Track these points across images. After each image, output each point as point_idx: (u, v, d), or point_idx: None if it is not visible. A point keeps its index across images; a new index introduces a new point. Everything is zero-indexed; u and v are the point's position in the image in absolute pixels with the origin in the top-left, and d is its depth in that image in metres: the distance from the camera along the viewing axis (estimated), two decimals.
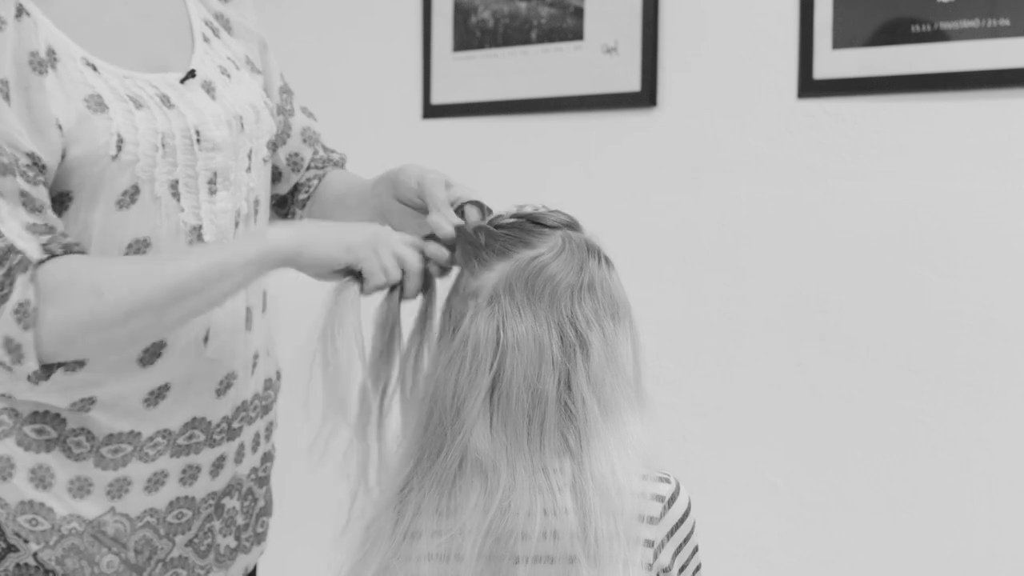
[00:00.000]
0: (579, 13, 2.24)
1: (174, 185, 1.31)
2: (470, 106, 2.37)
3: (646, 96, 2.17)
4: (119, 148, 1.26)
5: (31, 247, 1.21)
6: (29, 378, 1.23)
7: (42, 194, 1.24)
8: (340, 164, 1.59)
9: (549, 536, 1.13)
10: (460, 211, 1.29)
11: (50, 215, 1.24)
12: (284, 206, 1.59)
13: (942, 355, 1.94)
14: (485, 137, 2.37)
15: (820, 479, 2.04)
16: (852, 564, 2.02)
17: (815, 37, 2.01)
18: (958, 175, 1.93)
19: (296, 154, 1.55)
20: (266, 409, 1.50)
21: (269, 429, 1.52)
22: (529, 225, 1.22)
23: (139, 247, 1.30)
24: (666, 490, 1.16)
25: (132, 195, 1.28)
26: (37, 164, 1.24)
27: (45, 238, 1.22)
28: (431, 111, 2.42)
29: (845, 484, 2.01)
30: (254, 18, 1.51)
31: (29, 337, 1.21)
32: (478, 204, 1.28)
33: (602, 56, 2.21)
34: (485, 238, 1.21)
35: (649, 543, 1.15)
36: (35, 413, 1.31)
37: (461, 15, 2.37)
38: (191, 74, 1.35)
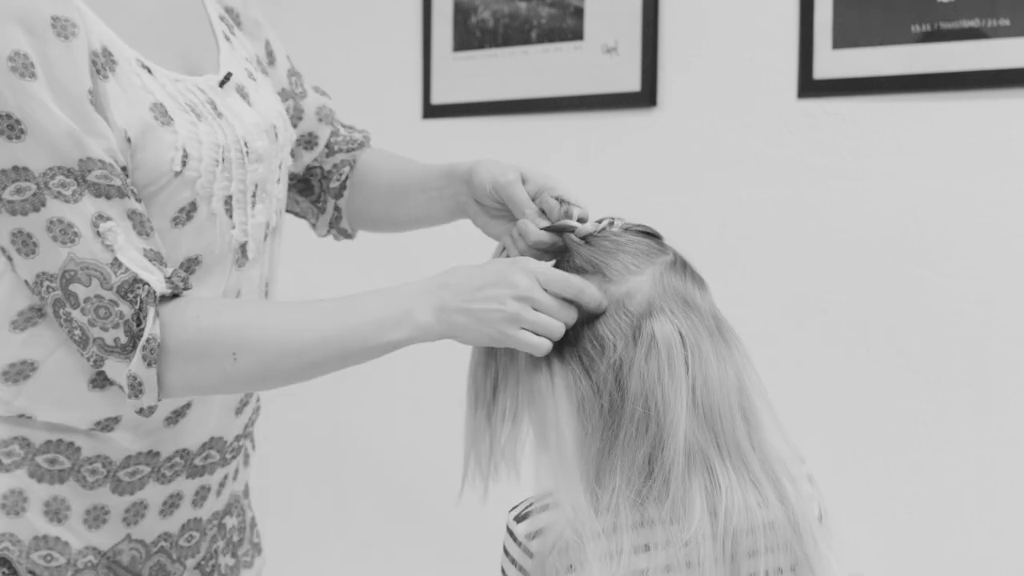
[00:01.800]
0: (579, 13, 2.24)
1: (228, 201, 1.25)
2: (470, 106, 2.37)
3: (646, 96, 2.17)
4: (184, 164, 1.19)
5: (155, 279, 1.15)
6: (141, 411, 1.18)
7: (146, 214, 1.18)
8: (365, 143, 1.53)
9: (768, 527, 1.14)
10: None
11: (157, 239, 1.18)
12: (311, 192, 1.52)
13: (942, 355, 1.94)
14: (485, 137, 2.37)
15: (820, 479, 2.04)
16: (852, 564, 2.01)
17: (815, 37, 2.00)
18: (958, 175, 1.93)
19: (311, 133, 1.49)
20: (254, 421, 1.45)
21: (252, 439, 1.49)
22: (645, 235, 1.22)
23: (189, 266, 1.24)
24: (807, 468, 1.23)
25: (189, 212, 1.22)
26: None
27: (167, 269, 1.16)
28: (431, 111, 2.42)
29: (845, 484, 2.01)
30: (255, 3, 1.45)
31: (152, 374, 1.15)
32: (562, 201, 1.25)
33: (602, 56, 2.21)
34: (609, 243, 1.20)
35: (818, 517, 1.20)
36: (48, 442, 1.24)
37: (461, 15, 2.37)
38: (228, 77, 1.29)
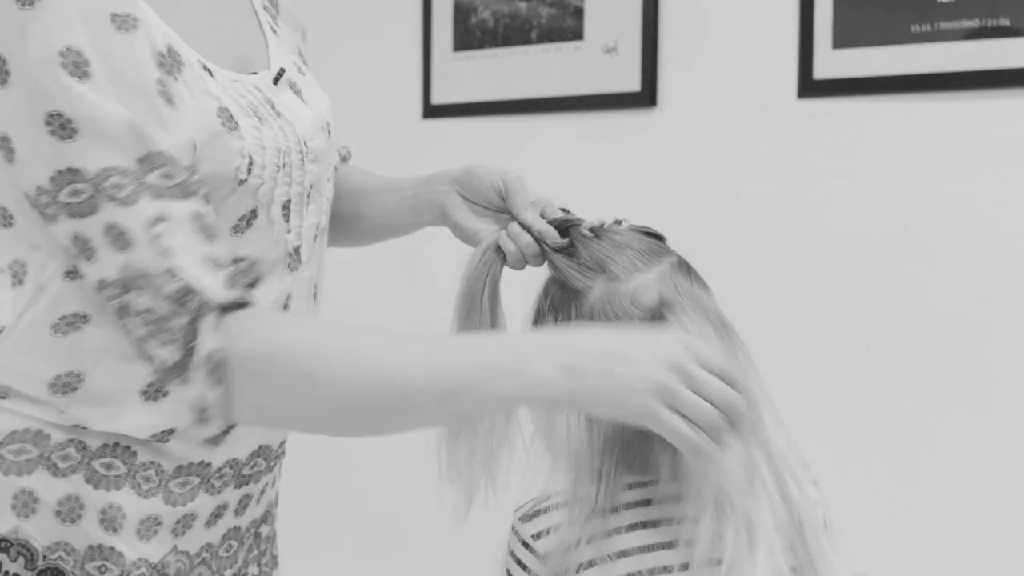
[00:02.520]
0: (579, 13, 2.24)
1: (286, 205, 1.18)
2: (470, 106, 2.37)
3: (646, 96, 2.17)
4: (249, 171, 1.11)
5: (212, 288, 1.03)
6: (207, 441, 1.09)
7: (213, 216, 1.07)
8: (346, 158, 1.51)
9: (775, 528, 1.13)
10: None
11: (222, 246, 1.06)
12: None
13: (942, 355, 1.94)
14: (485, 137, 2.37)
15: (820, 479, 2.04)
16: (852, 564, 2.01)
17: (815, 37, 2.01)
18: (958, 175, 1.93)
19: None
20: None
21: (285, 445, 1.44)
22: (650, 236, 1.22)
23: None
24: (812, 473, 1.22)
25: (249, 220, 1.14)
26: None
27: (229, 270, 1.04)
28: (431, 111, 2.42)
29: (845, 484, 2.01)
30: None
31: (220, 393, 1.03)
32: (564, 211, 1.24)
33: (602, 56, 2.21)
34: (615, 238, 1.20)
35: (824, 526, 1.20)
36: (104, 446, 1.17)
37: (461, 15, 2.37)
38: (281, 73, 1.22)
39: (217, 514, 1.27)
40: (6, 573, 1.15)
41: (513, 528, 1.15)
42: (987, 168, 1.91)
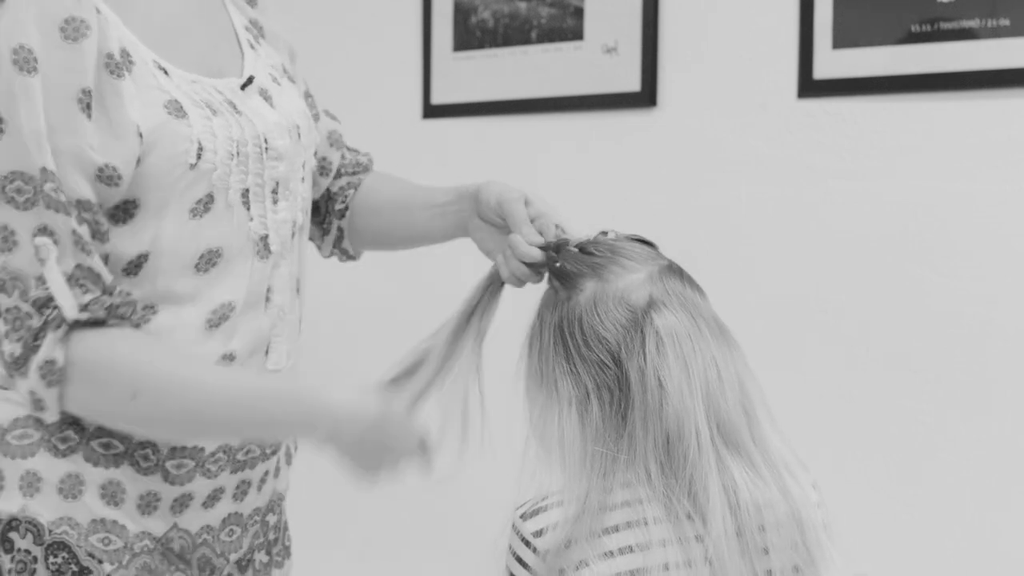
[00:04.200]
0: (579, 13, 2.24)
1: (245, 194, 1.27)
2: (470, 106, 2.37)
3: (646, 96, 2.17)
4: (199, 156, 1.22)
5: (68, 304, 1.15)
6: (50, 426, 1.22)
7: (100, 228, 1.18)
8: (369, 167, 1.57)
9: (776, 525, 1.15)
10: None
11: (97, 261, 1.18)
12: (318, 214, 1.55)
13: (942, 355, 1.94)
14: (485, 137, 2.37)
15: (820, 479, 2.04)
16: (852, 564, 2.01)
17: (815, 37, 2.01)
18: (958, 175, 1.93)
19: (324, 158, 1.52)
20: None
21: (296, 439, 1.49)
22: (641, 243, 1.25)
23: (211, 257, 1.25)
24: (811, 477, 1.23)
25: (206, 204, 1.24)
26: (111, 176, 1.18)
27: (87, 297, 1.16)
28: (431, 111, 2.42)
29: (845, 484, 2.01)
30: (278, 25, 1.49)
31: (53, 394, 1.17)
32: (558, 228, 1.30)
33: (602, 56, 2.21)
34: (593, 250, 1.22)
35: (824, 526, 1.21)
36: (101, 428, 1.26)
37: (461, 15, 2.37)
38: (250, 80, 1.32)
39: (214, 497, 1.33)
40: (18, 550, 1.24)
41: (514, 526, 1.16)
42: (987, 168, 1.91)
